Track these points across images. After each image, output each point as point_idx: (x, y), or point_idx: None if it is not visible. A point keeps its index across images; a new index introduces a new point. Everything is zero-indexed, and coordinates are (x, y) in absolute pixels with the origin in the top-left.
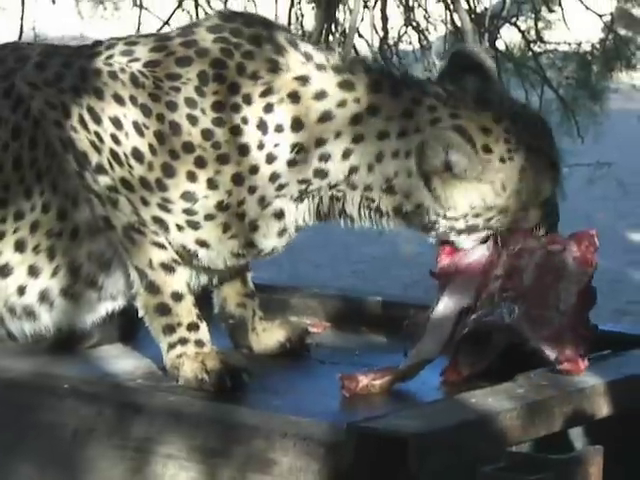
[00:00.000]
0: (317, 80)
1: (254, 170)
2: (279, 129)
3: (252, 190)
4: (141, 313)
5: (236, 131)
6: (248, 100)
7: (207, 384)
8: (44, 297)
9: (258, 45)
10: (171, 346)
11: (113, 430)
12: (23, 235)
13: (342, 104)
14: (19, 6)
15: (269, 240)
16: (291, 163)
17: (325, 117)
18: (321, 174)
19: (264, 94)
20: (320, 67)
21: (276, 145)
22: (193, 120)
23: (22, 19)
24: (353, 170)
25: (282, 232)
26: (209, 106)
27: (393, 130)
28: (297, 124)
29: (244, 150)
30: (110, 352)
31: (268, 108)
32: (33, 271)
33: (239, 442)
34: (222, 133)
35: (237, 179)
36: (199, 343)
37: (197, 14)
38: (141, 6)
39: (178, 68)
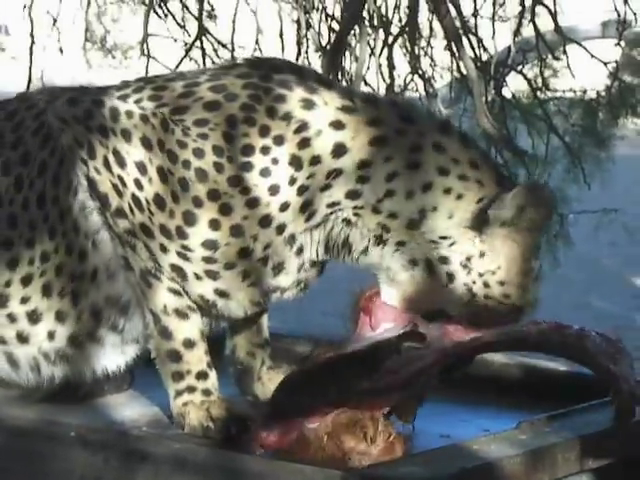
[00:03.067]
0: (362, 104)
1: (284, 207)
2: (315, 160)
3: (280, 229)
4: (153, 355)
5: (265, 173)
6: (280, 141)
7: (212, 432)
8: (74, 341)
9: (288, 89)
10: (178, 393)
11: (119, 478)
12: (49, 279)
13: (400, 133)
14: (28, 55)
15: (290, 276)
16: (324, 188)
17: (378, 140)
18: (354, 195)
19: (298, 131)
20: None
21: (309, 176)
22: (219, 167)
23: (30, 68)
24: (389, 194)
25: (300, 267)
26: (238, 151)
27: (452, 172)
28: (339, 149)
29: (274, 190)
30: (116, 400)
31: (303, 143)
32: (60, 316)
33: None
34: (250, 177)
35: (265, 222)
36: (206, 392)
37: (204, 62)
38: (149, 55)
39: (206, 113)
